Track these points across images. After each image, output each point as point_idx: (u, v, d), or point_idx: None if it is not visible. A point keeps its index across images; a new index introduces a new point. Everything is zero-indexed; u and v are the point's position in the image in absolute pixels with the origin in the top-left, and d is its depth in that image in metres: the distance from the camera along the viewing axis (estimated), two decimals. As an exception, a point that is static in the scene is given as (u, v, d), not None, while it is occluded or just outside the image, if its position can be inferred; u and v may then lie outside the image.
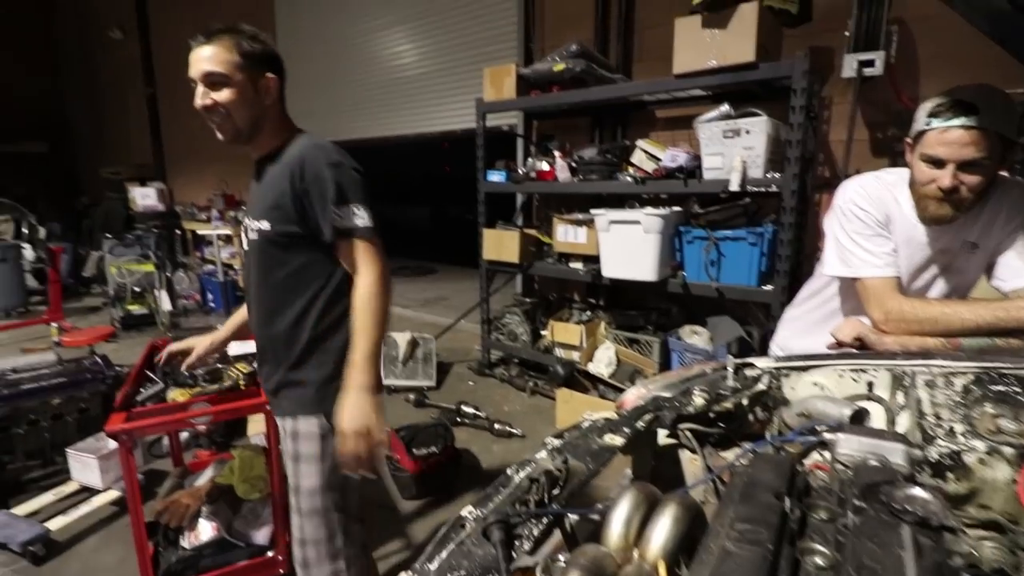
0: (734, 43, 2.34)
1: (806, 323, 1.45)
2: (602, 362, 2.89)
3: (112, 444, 2.35)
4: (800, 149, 2.26)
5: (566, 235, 3.10)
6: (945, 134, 1.07)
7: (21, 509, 2.17)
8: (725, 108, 2.46)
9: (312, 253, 1.20)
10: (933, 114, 1.09)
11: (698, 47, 2.44)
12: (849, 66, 2.31)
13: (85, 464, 2.26)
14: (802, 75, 2.22)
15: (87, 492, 2.29)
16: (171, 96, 8.58)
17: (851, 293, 1.29)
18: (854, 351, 1.24)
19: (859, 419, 0.95)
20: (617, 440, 1.00)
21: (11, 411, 2.25)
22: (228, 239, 6.37)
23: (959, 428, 0.87)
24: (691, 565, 0.54)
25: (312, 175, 1.16)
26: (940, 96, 1.10)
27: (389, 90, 5.30)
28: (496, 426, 2.84)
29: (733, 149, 2.38)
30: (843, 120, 2.58)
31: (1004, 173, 1.19)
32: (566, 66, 2.90)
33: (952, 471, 0.86)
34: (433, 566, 0.65)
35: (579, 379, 2.89)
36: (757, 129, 2.32)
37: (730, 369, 1.10)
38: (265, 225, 1.18)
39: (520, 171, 3.44)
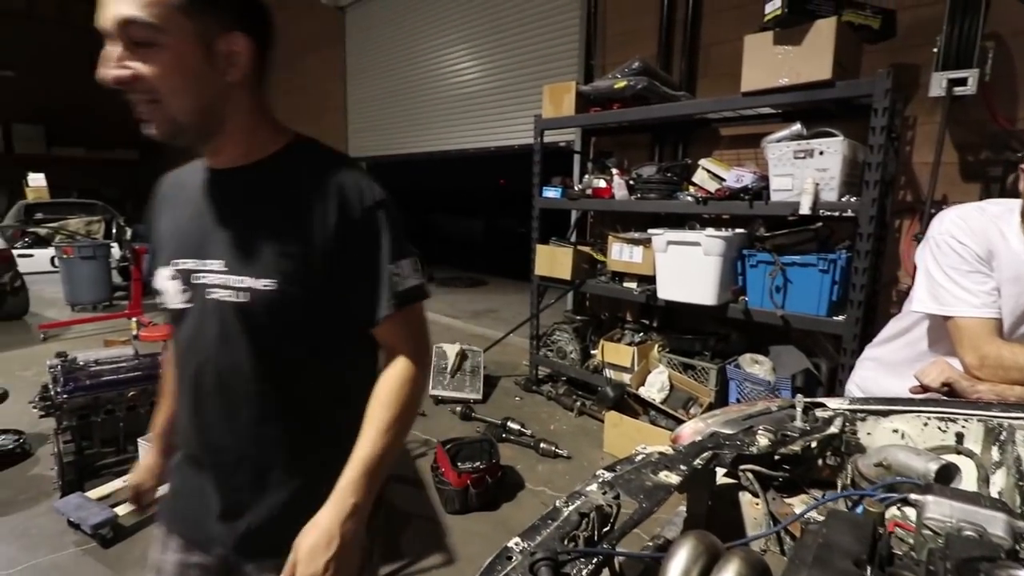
0: (808, 60, 2.23)
1: (890, 364, 1.33)
2: (654, 387, 2.80)
3: (178, 437, 2.48)
4: (880, 172, 2.12)
5: (621, 254, 3.04)
6: None
7: (94, 493, 2.32)
8: (797, 127, 2.35)
9: (323, 329, 0.82)
10: None
11: (768, 64, 2.34)
12: (937, 84, 2.15)
13: (153, 454, 2.40)
14: (884, 94, 2.08)
15: (154, 481, 2.43)
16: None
17: (943, 334, 1.18)
18: (942, 398, 1.13)
19: (946, 475, 0.85)
20: (673, 478, 0.95)
21: (92, 400, 2.42)
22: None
23: (1070, 496, 0.77)
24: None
25: (363, 219, 0.78)
26: None
27: (451, 106, 5.44)
28: (542, 445, 2.79)
29: (805, 170, 2.26)
30: (928, 142, 2.41)
31: None
32: (627, 83, 2.87)
33: (1061, 547, 0.75)
34: (477, 601, 0.63)
35: (629, 403, 2.81)
36: (833, 150, 2.19)
37: (799, 408, 1.03)
38: (254, 283, 0.76)
39: (576, 188, 3.42)
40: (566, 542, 0.73)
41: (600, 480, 0.89)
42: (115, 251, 6.64)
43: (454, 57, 5.33)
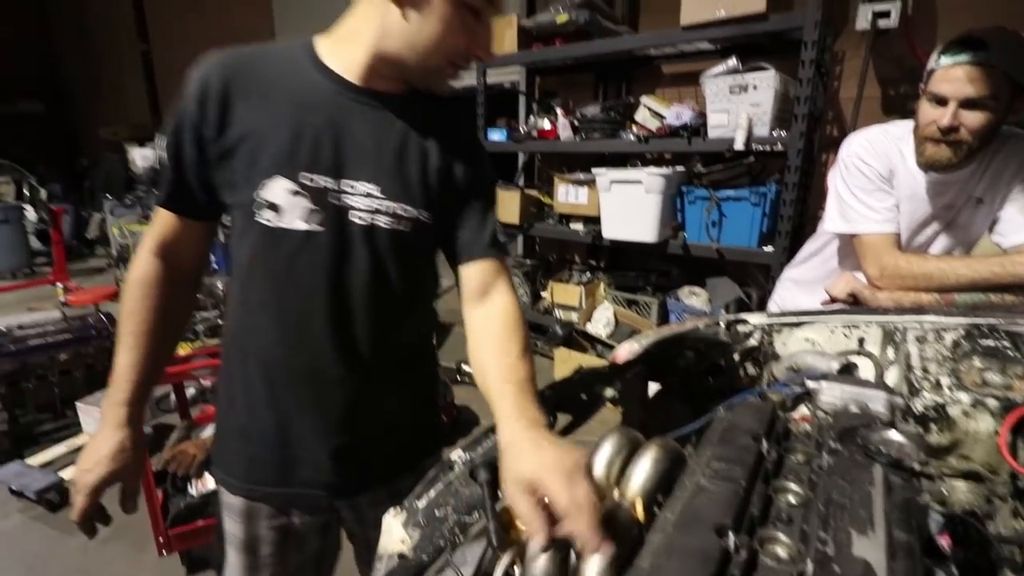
0: (744, -8, 2.24)
1: (805, 282, 1.44)
2: (600, 323, 2.91)
3: (120, 398, 2.41)
4: (809, 106, 2.20)
5: (567, 196, 3.06)
6: (950, 70, 1.04)
7: (35, 460, 2.25)
8: (733, 62, 2.38)
9: (430, 257, 0.86)
10: (944, 51, 1.06)
11: (706, -3, 2.34)
12: (863, 17, 2.22)
13: (95, 417, 2.33)
14: (814, 27, 2.13)
15: (98, 444, 2.37)
16: (167, 54, 8.38)
17: (851, 251, 1.28)
18: (847, 307, 1.24)
19: (847, 373, 0.96)
20: (608, 391, 1.02)
21: (19, 366, 2.30)
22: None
23: (945, 381, 0.88)
24: (668, 500, 0.55)
25: (481, 165, 0.83)
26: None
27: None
28: (496, 385, 2.88)
29: (740, 106, 2.32)
30: (855, 76, 2.50)
31: (1016, 128, 1.16)
32: (570, 17, 2.81)
33: (936, 423, 0.87)
34: (422, 503, 0.67)
35: (578, 339, 2.92)
36: (765, 84, 2.25)
37: (722, 324, 1.10)
38: (417, 212, 0.77)
39: (522, 130, 3.37)
40: (506, 451, 0.78)
41: (540, 397, 0.94)
42: (30, 214, 6.11)
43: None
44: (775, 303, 1.53)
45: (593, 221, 2.96)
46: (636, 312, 2.88)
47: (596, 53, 2.89)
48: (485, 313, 0.81)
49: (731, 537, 0.46)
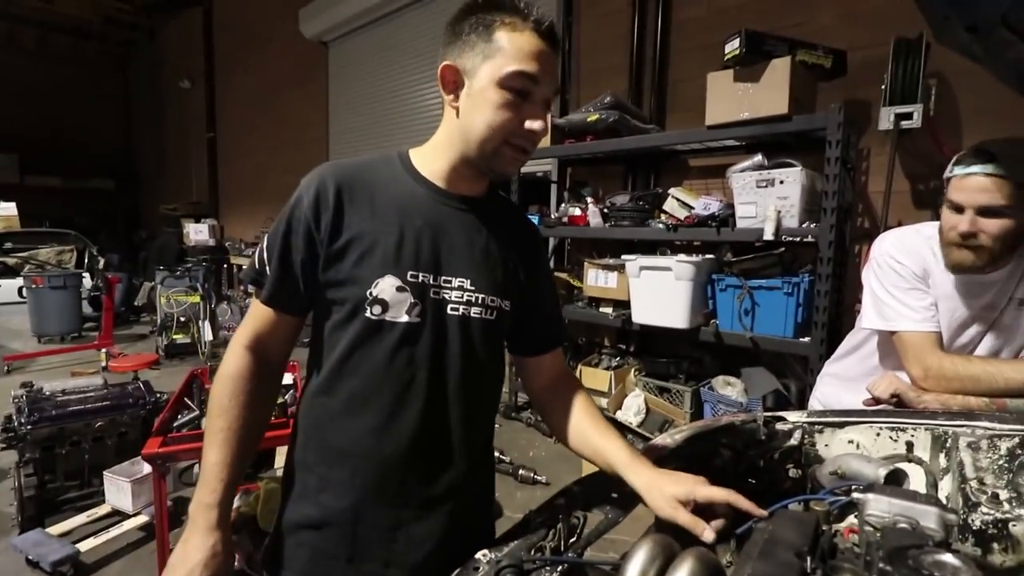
0: (767, 96, 2.37)
1: (846, 378, 1.40)
2: (631, 410, 2.83)
3: (146, 469, 2.41)
4: (836, 200, 2.24)
5: (597, 279, 3.11)
6: (964, 180, 1.09)
7: (55, 529, 2.23)
8: (758, 158, 2.47)
9: (503, 345, 0.94)
10: (957, 162, 1.12)
11: (730, 99, 2.48)
12: (886, 118, 2.30)
13: (119, 487, 2.33)
14: (837, 127, 2.22)
15: (118, 516, 2.35)
16: (229, 139, 9.21)
17: (891, 348, 1.25)
18: (892, 408, 1.19)
19: (896, 481, 0.90)
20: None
21: (57, 431, 2.36)
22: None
23: (1004, 495, 0.82)
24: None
25: (547, 260, 0.97)
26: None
27: (429, 137, 5.54)
28: (521, 472, 2.78)
29: (767, 199, 2.38)
30: (882, 171, 2.55)
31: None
32: (600, 116, 2.99)
33: (997, 541, 0.80)
34: (443, 607, 0.64)
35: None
36: (791, 179, 2.31)
37: (760, 422, 1.07)
38: (501, 302, 0.86)
39: (553, 216, 3.50)
40: (533, 552, 0.75)
41: (569, 493, 0.91)
42: (86, 281, 6.51)
43: (432, 91, 5.46)
44: (816, 399, 1.48)
45: (622, 305, 2.97)
46: (668, 400, 2.80)
47: (625, 148, 3.04)
48: (567, 394, 0.94)
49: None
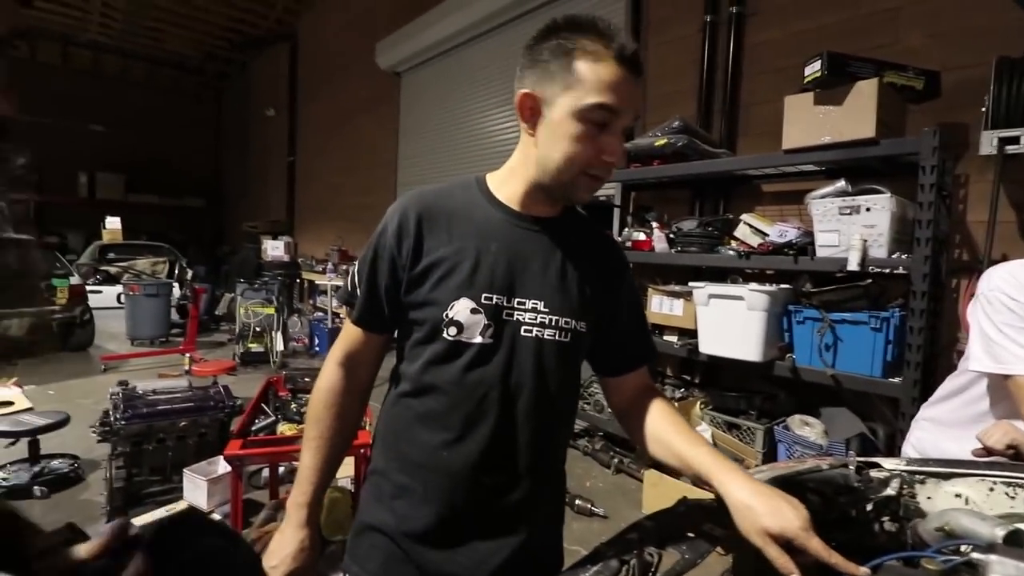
0: (850, 120, 2.25)
1: (947, 424, 1.27)
2: (695, 444, 2.70)
3: (221, 469, 2.55)
4: (931, 229, 2.08)
5: (661, 306, 3.03)
6: None
7: (138, 520, 2.39)
8: (841, 184, 2.34)
9: (580, 366, 0.94)
10: None
11: (810, 123, 2.38)
12: (988, 143, 2.12)
13: (196, 485, 2.47)
14: (931, 152, 2.07)
15: (194, 513, 2.48)
16: (305, 162, 9.85)
17: (1003, 393, 1.13)
18: (1007, 461, 1.06)
19: (1016, 541, 0.80)
20: (717, 531, 0.92)
21: (146, 428, 2.54)
22: (338, 289, 6.96)
23: None
24: None
25: (632, 277, 0.97)
26: None
27: (496, 163, 5.64)
28: (577, 502, 2.71)
29: (851, 227, 2.24)
30: (982, 200, 2.35)
31: None
32: (668, 140, 2.95)
33: None
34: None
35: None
36: (880, 207, 2.17)
37: (852, 467, 0.99)
38: (575, 324, 0.86)
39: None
40: (606, 590, 0.72)
41: (642, 528, 0.87)
42: (176, 290, 7.06)
43: (499, 117, 5.60)
44: (911, 445, 1.35)
45: (688, 334, 2.87)
46: (738, 438, 2.65)
47: (694, 173, 2.98)
48: (650, 404, 0.91)
49: None
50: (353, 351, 0.91)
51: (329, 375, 0.91)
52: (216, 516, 2.43)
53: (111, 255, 8.54)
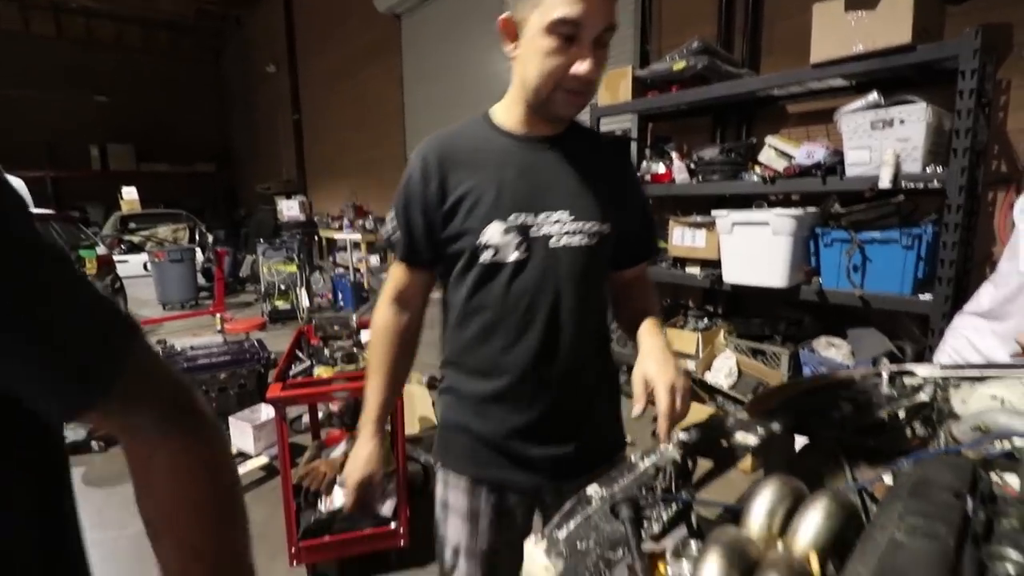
0: (885, 25, 2.10)
1: (990, 332, 1.25)
2: (721, 372, 2.73)
3: (265, 416, 2.68)
4: (970, 139, 1.97)
5: (683, 239, 2.98)
6: None
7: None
8: (873, 97, 2.22)
9: (607, 263, 1.01)
10: None
11: (840, 33, 2.23)
12: (1035, 41, 1.98)
13: (243, 431, 2.61)
14: (972, 54, 1.94)
15: (242, 456, 2.64)
16: (312, 120, 9.68)
17: None
18: (1047, 361, 1.05)
19: (1056, 437, 0.80)
20: (750, 439, 0.94)
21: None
22: (357, 245, 7.00)
23: None
24: (852, 554, 0.49)
25: (635, 174, 1.07)
26: None
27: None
28: (604, 431, 2.78)
29: (884, 142, 2.14)
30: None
31: None
32: (687, 64, 2.81)
33: None
34: (562, 534, 0.66)
35: (695, 389, 2.75)
36: (915, 117, 2.06)
37: (885, 375, 0.99)
38: (600, 227, 0.94)
39: (634, 175, 3.38)
40: (643, 491, 0.75)
41: (676, 439, 0.90)
42: (198, 255, 7.19)
43: (500, 57, 5.39)
44: (947, 355, 1.34)
45: (711, 265, 2.84)
46: (763, 363, 2.67)
47: (715, 96, 2.85)
48: (635, 296, 1.04)
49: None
50: (401, 288, 1.01)
51: (382, 312, 1.02)
52: (264, 459, 2.57)
53: (132, 225, 8.68)
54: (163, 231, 8.26)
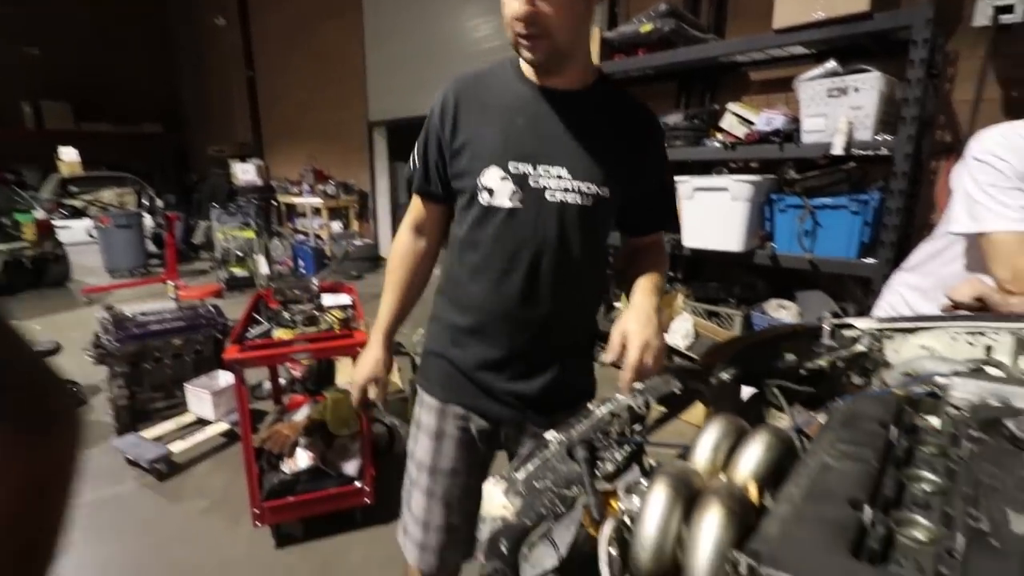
0: (844, -7, 2.14)
1: (922, 288, 1.33)
2: (679, 334, 2.82)
3: (223, 382, 2.62)
4: (918, 108, 2.05)
5: (645, 205, 3.02)
6: None
7: (148, 433, 2.48)
8: (831, 65, 2.27)
9: (607, 228, 1.04)
10: None
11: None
12: (983, 13, 2.05)
13: (200, 398, 2.55)
14: (925, 24, 2.00)
15: (201, 423, 2.59)
16: (269, 79, 9.17)
17: (978, 255, 1.17)
18: (970, 313, 1.13)
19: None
20: (700, 387, 0.99)
21: (140, 348, 2.57)
22: (317, 211, 6.79)
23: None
24: (787, 478, 0.53)
25: (662, 148, 1.04)
26: None
27: (469, 63, 5.33)
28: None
29: (838, 109, 2.20)
30: (970, 77, 2.31)
31: None
32: (654, 26, 2.80)
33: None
34: (520, 475, 0.68)
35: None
36: (868, 86, 2.12)
37: (826, 328, 1.04)
38: (599, 189, 0.94)
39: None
40: (599, 435, 0.78)
41: (633, 387, 0.93)
42: (147, 221, 6.84)
43: (470, 14, 5.22)
44: (883, 310, 1.42)
45: (672, 231, 2.89)
46: (718, 324, 2.77)
47: (681, 61, 2.85)
48: (643, 260, 1.05)
49: (867, 511, 0.44)
50: (418, 218, 1.09)
51: (401, 237, 1.11)
52: (224, 424, 2.53)
53: (73, 189, 8.14)
54: (107, 195, 7.79)
